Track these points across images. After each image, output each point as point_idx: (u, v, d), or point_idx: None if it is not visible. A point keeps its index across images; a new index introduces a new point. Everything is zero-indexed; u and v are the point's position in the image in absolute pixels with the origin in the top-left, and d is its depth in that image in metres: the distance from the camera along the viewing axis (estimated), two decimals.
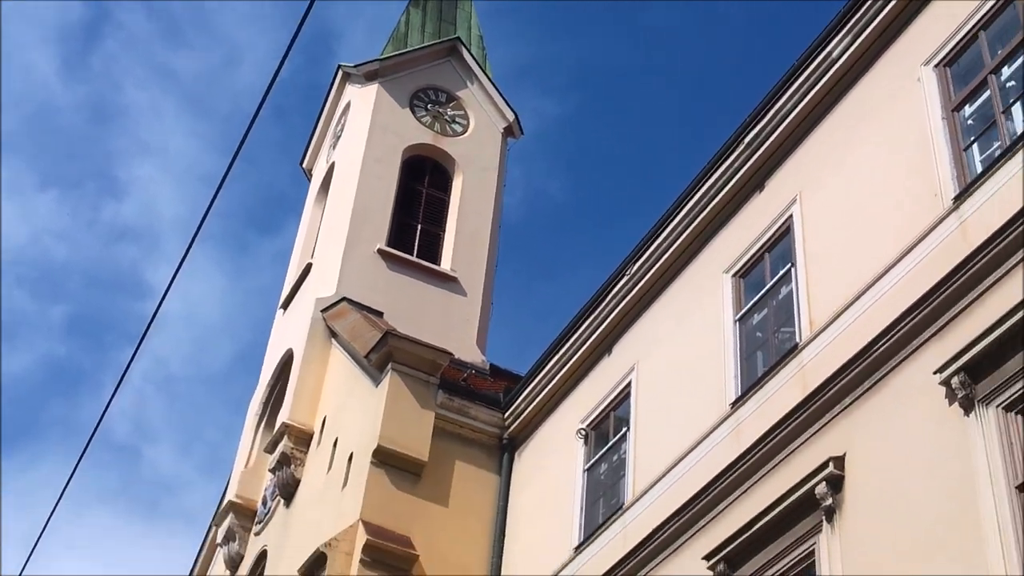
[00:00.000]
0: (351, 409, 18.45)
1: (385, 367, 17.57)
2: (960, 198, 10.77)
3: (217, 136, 63.14)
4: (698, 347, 14.16)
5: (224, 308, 62.47)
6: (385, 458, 16.75)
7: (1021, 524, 8.91)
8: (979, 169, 10.91)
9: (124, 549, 54.19)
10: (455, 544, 16.76)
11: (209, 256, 62.43)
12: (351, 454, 17.46)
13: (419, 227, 23.44)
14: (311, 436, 19.50)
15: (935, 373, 10.09)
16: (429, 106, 25.13)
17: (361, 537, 15.86)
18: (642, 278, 15.71)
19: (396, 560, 15.82)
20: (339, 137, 25.43)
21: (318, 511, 17.81)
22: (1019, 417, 9.40)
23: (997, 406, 9.52)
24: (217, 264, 61.44)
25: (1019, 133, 10.51)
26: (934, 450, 9.97)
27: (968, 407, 9.73)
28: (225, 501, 21.35)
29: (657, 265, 15.50)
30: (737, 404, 12.94)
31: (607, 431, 15.88)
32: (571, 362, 16.88)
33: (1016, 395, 9.42)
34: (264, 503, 20.43)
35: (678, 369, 14.48)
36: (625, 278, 15.93)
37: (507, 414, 17.94)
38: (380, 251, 22.25)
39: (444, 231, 23.54)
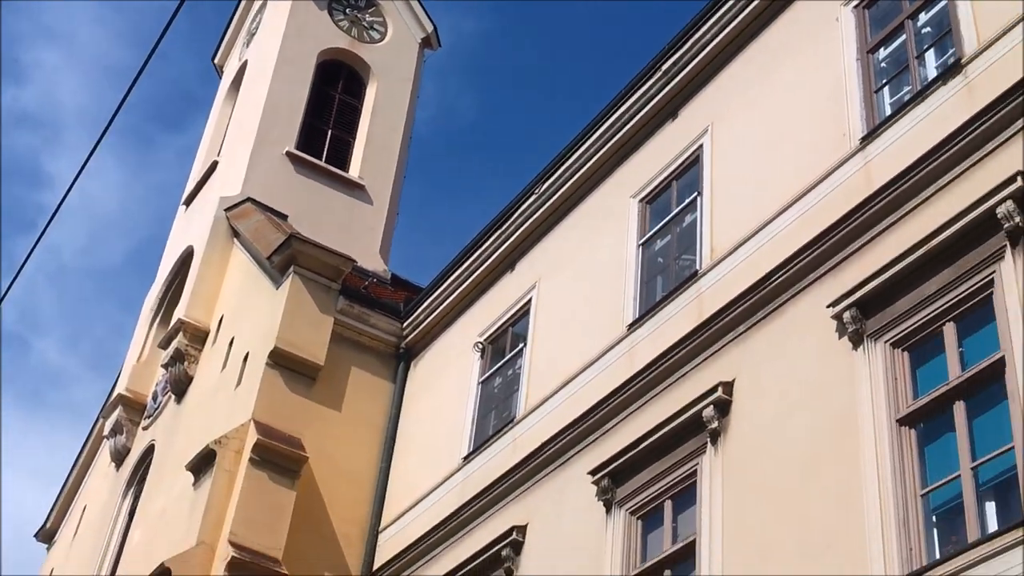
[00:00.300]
0: (249, 310, 18.37)
1: (287, 270, 17.49)
2: (867, 139, 11.00)
3: (126, 27, 61.59)
4: (600, 269, 14.34)
5: (123, 202, 61.37)
6: (281, 360, 16.74)
7: (899, 456, 9.24)
8: (888, 112, 11.13)
9: (4, 437, 53.44)
10: (345, 449, 16.86)
11: (111, 149, 61.21)
12: (247, 354, 17.41)
13: (329, 132, 23.22)
14: (207, 334, 19.38)
15: (828, 307, 10.36)
16: (347, 10, 24.78)
17: (252, 436, 15.87)
18: (550, 197, 15.80)
19: (285, 461, 15.86)
20: (253, 35, 25.01)
21: (209, 409, 17.76)
22: (905, 354, 9.72)
23: (885, 342, 9.82)
24: (119, 158, 60.19)
25: (930, 79, 10.74)
26: (821, 381, 10.27)
27: (857, 341, 10.02)
28: (114, 394, 21.19)
29: (566, 186, 15.60)
30: (634, 326, 13.15)
31: (504, 346, 16.04)
32: (473, 276, 16.97)
33: (904, 333, 9.72)
34: (154, 398, 20.31)
35: (579, 289, 14.65)
36: (533, 196, 16.01)
37: (406, 324, 18.01)
38: (288, 154, 22.02)
39: (354, 138, 23.35)
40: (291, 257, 17.45)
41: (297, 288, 17.31)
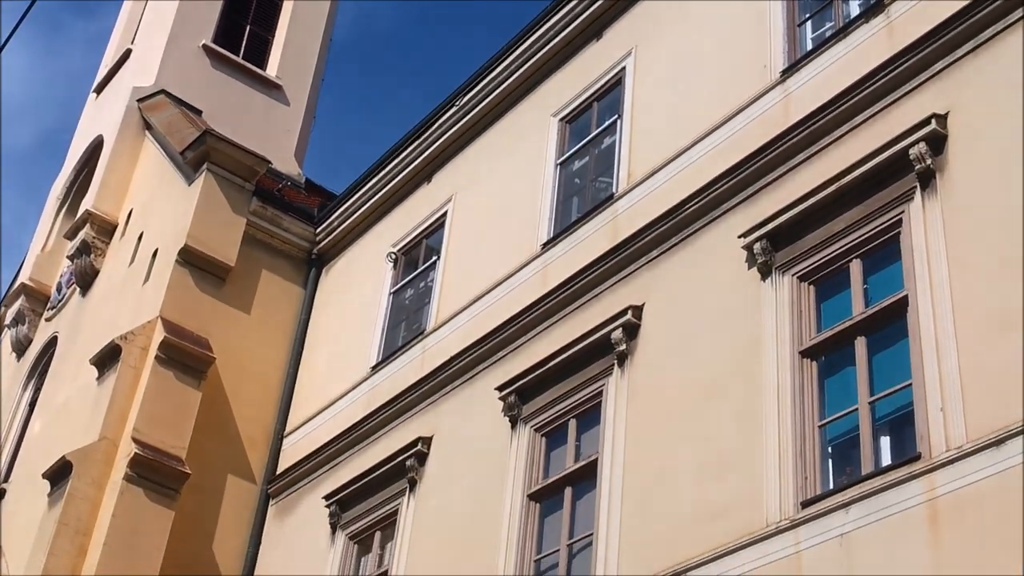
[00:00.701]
0: (160, 205, 18.11)
1: (200, 167, 17.27)
2: (787, 73, 11.10)
3: None
4: (517, 186, 14.36)
5: (29, 88, 59.59)
6: (191, 258, 16.59)
7: (799, 387, 9.49)
8: (809, 47, 11.23)
9: None
10: (253, 352, 16.83)
11: (17, 32, 59.12)
12: (156, 250, 17.21)
13: (248, 28, 22.74)
14: (115, 227, 19.10)
15: (739, 237, 10.53)
16: None
17: (159, 334, 15.75)
18: (470, 111, 15.73)
19: (192, 361, 15.79)
20: None
21: (115, 304, 17.57)
22: (812, 288, 9.93)
23: (793, 275, 10.02)
24: (25, 43, 58.36)
25: (852, 16, 10.84)
26: (729, 310, 10.46)
27: (766, 273, 10.21)
28: (17, 283, 20.83)
29: (487, 100, 15.53)
30: (548, 246, 13.24)
31: (417, 258, 16.05)
32: (390, 185, 16.89)
33: (812, 267, 9.93)
34: (59, 289, 20.02)
35: (495, 205, 14.67)
36: (453, 109, 15.92)
37: (319, 229, 17.91)
38: (205, 47, 21.55)
39: (273, 36, 22.90)
40: (205, 154, 17.22)
41: (210, 186, 17.12)
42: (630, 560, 10.09)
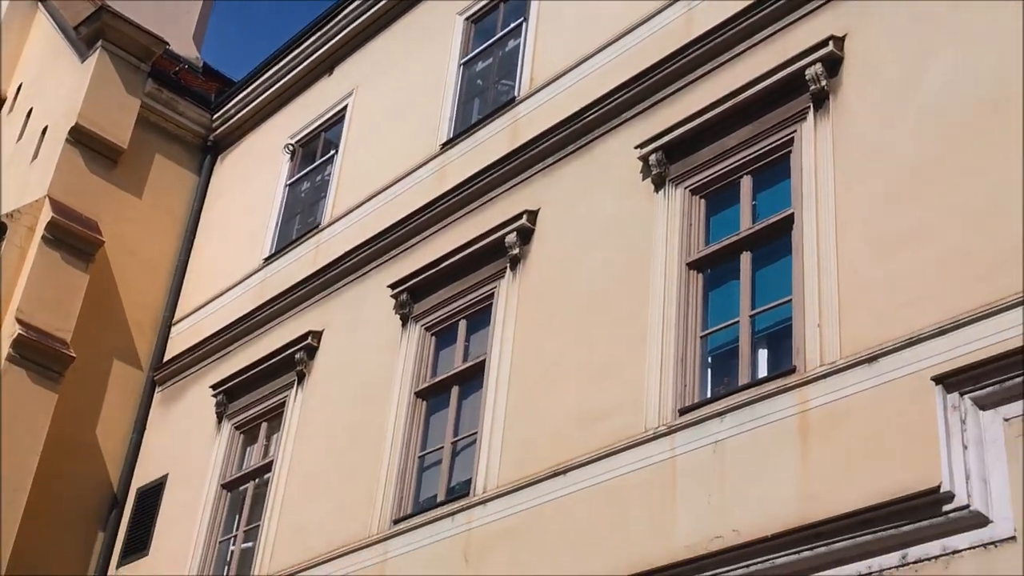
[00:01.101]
0: (51, 81, 17.66)
1: (94, 44, 16.85)
2: None
3: None
4: (419, 84, 14.27)
5: None
6: (82, 138, 16.26)
7: (684, 297, 9.70)
8: None
9: None
10: (144, 237, 16.64)
11: None
12: (45, 127, 16.84)
13: None
14: (3, 101, 18.62)
15: (636, 148, 10.63)
16: None
17: (46, 214, 15.48)
18: (376, 3, 15.52)
19: (80, 243, 15.55)
20: None
21: (2, 180, 17.18)
22: (702, 201, 10.10)
23: (685, 188, 10.18)
24: None
25: None
26: (621, 218, 10.60)
27: (659, 184, 10.35)
28: None
29: None
30: (447, 146, 13.23)
31: (315, 150, 15.93)
32: (290, 75, 16.66)
33: (704, 181, 10.09)
34: None
35: (396, 102, 14.58)
36: (359, 0, 15.70)
37: (216, 116, 17.63)
38: None
39: None
40: (99, 30, 16.81)
41: (104, 64, 16.74)
42: (512, 458, 10.31)
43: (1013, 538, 6.85)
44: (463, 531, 10.38)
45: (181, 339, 15.97)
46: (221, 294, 15.73)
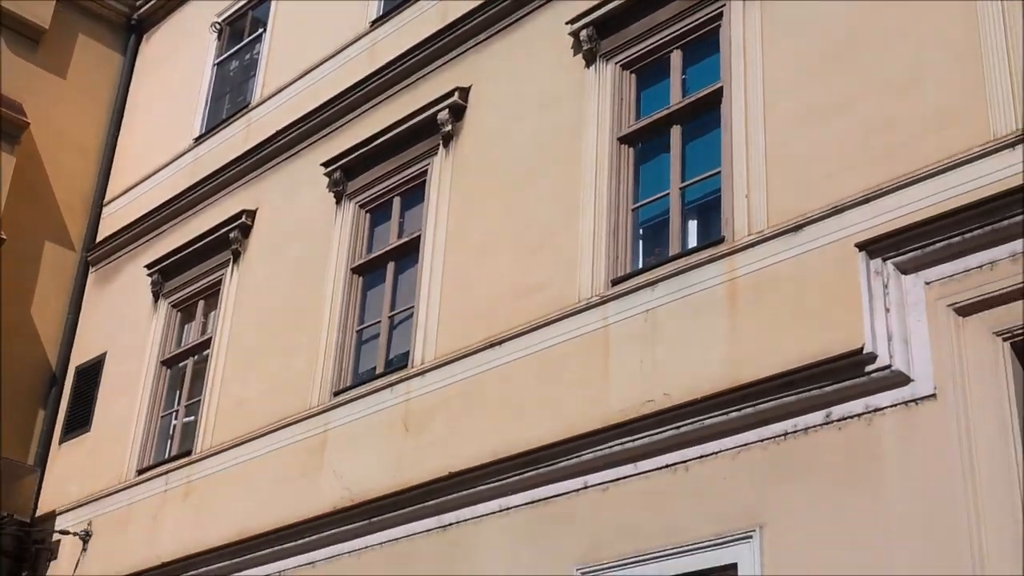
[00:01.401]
0: None
1: None
2: None
3: None
4: None
5: None
6: (2, 19, 15.91)
7: (616, 171, 9.89)
8: None
9: None
10: (70, 118, 16.43)
11: None
12: None
13: None
14: None
15: (567, 24, 10.70)
16: None
17: None
18: None
19: (5, 125, 15.31)
20: None
21: None
22: (633, 76, 10.25)
23: (616, 63, 10.31)
24: None
25: None
26: (553, 94, 10.71)
27: (590, 60, 10.46)
28: None
29: None
30: (376, 24, 13.18)
31: (243, 29, 15.76)
32: None
33: (634, 56, 10.21)
34: None
35: None
36: None
37: None
38: None
39: None
40: None
41: None
42: (448, 330, 10.55)
43: (933, 395, 7.20)
44: (402, 401, 10.65)
45: (113, 219, 15.92)
46: (152, 174, 15.66)
